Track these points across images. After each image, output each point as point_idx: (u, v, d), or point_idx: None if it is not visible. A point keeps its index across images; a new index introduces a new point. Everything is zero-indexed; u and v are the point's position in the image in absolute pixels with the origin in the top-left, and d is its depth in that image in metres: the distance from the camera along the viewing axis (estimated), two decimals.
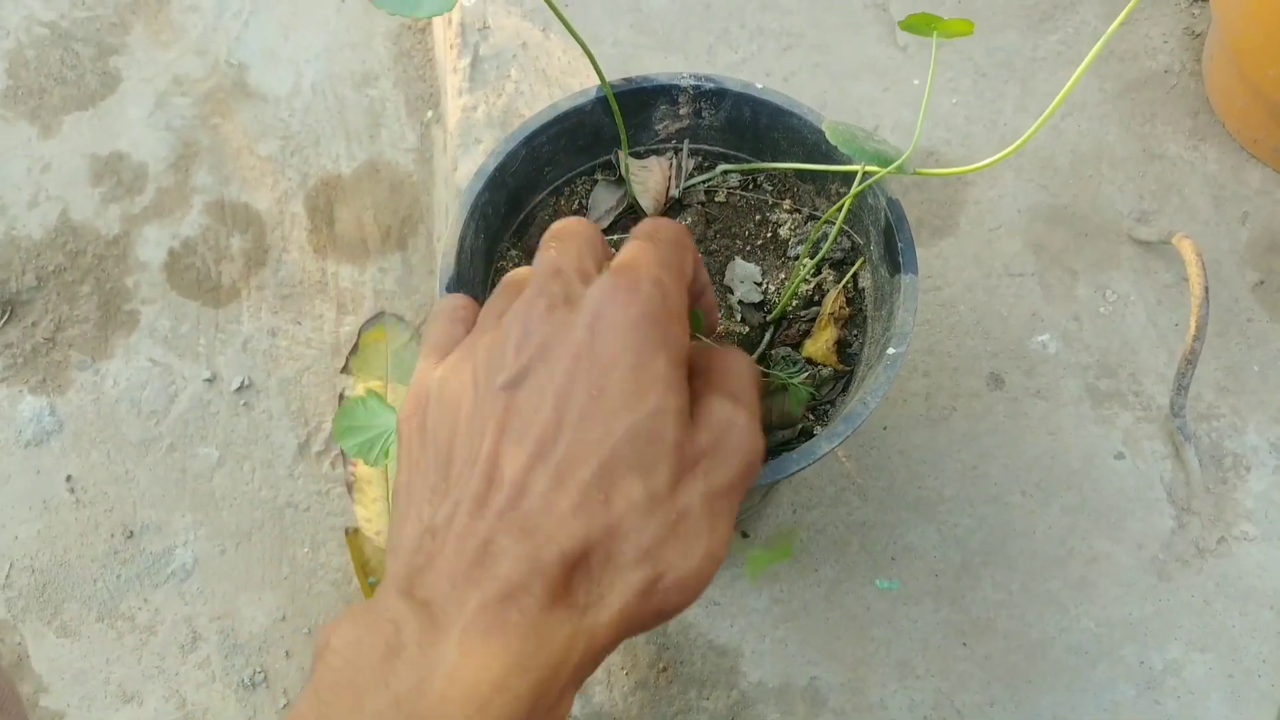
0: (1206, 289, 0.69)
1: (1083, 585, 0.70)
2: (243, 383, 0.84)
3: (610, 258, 0.44)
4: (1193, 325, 0.69)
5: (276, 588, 0.79)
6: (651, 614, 0.37)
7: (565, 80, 0.85)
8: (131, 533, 0.81)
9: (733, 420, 0.39)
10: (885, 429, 0.74)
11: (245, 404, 0.83)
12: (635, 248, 0.42)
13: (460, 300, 0.46)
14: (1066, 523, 0.72)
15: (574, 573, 0.35)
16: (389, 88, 0.94)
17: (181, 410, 0.83)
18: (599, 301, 0.39)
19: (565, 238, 0.43)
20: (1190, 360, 0.70)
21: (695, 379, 0.42)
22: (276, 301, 0.86)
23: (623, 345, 0.38)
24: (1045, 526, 0.72)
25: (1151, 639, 0.69)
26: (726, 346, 0.45)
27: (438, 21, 0.92)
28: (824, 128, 0.53)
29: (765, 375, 0.58)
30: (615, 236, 0.62)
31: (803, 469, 0.51)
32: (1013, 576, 0.70)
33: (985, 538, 0.71)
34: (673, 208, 0.62)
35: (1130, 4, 0.47)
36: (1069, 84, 0.48)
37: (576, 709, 0.68)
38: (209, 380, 0.84)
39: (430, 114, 0.94)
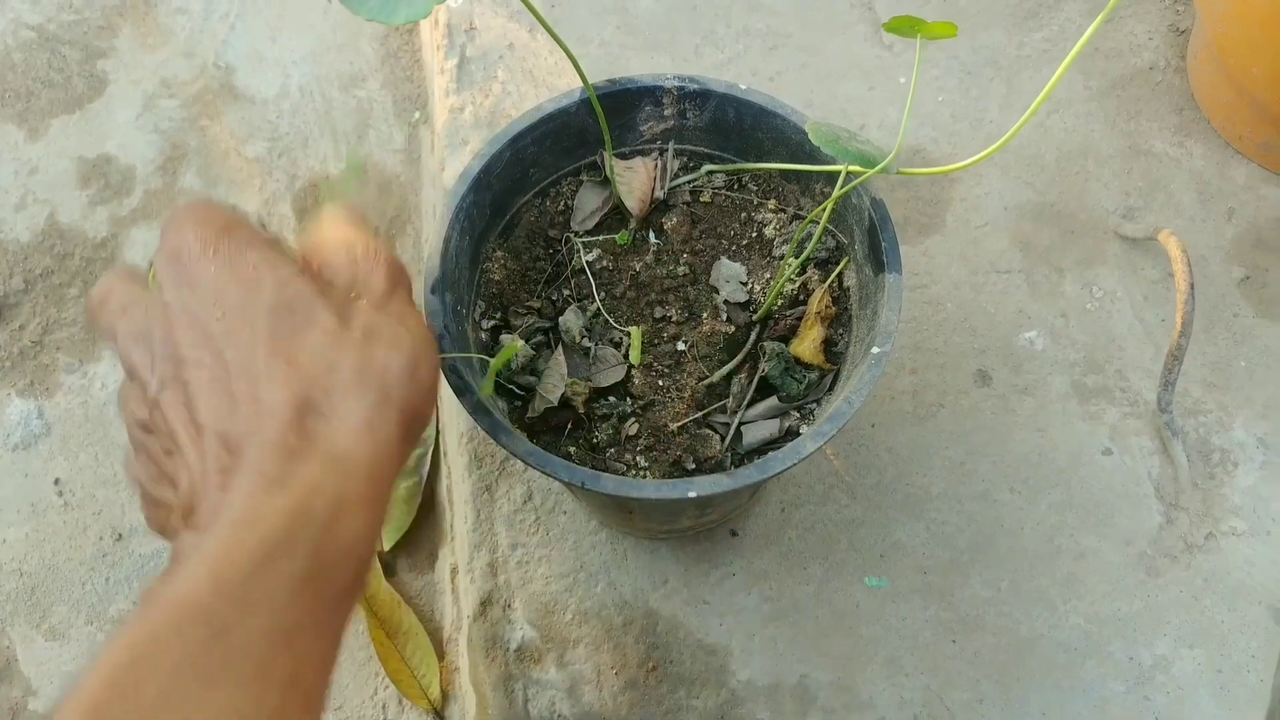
0: (1192, 285, 0.69)
1: (1071, 582, 0.70)
2: None
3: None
4: (1178, 321, 0.69)
5: None
6: (397, 413, 0.41)
7: (552, 81, 0.85)
8: (120, 535, 0.81)
9: (352, 251, 0.45)
10: (873, 426, 0.74)
11: None
12: None
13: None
14: (1054, 519, 0.72)
15: (302, 423, 0.39)
16: (376, 89, 0.94)
17: None
18: (164, 255, 0.42)
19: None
20: (1176, 356, 0.70)
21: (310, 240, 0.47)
22: None
23: (208, 266, 0.41)
24: (1033, 523, 0.72)
25: (1140, 635, 0.69)
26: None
27: (424, 22, 0.92)
28: (807, 128, 0.53)
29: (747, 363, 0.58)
30: (600, 237, 0.62)
31: (789, 468, 0.51)
32: (1001, 573, 0.70)
33: (974, 535, 0.71)
34: (658, 208, 0.63)
35: (1111, 4, 0.47)
36: (1052, 80, 0.48)
37: (566, 709, 0.68)
38: None
39: (418, 115, 0.94)
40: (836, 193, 0.54)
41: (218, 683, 0.34)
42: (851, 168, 0.54)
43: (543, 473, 0.52)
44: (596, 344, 0.60)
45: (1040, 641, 0.69)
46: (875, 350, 0.53)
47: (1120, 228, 0.79)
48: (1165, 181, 0.81)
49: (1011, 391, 0.75)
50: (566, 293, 0.61)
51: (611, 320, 0.60)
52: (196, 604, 0.34)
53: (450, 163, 0.81)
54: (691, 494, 0.51)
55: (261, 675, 0.35)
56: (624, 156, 0.63)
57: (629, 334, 0.59)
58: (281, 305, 0.41)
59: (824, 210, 0.55)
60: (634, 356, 0.59)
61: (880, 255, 0.55)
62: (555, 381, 0.58)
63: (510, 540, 0.73)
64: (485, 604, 0.71)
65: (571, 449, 0.57)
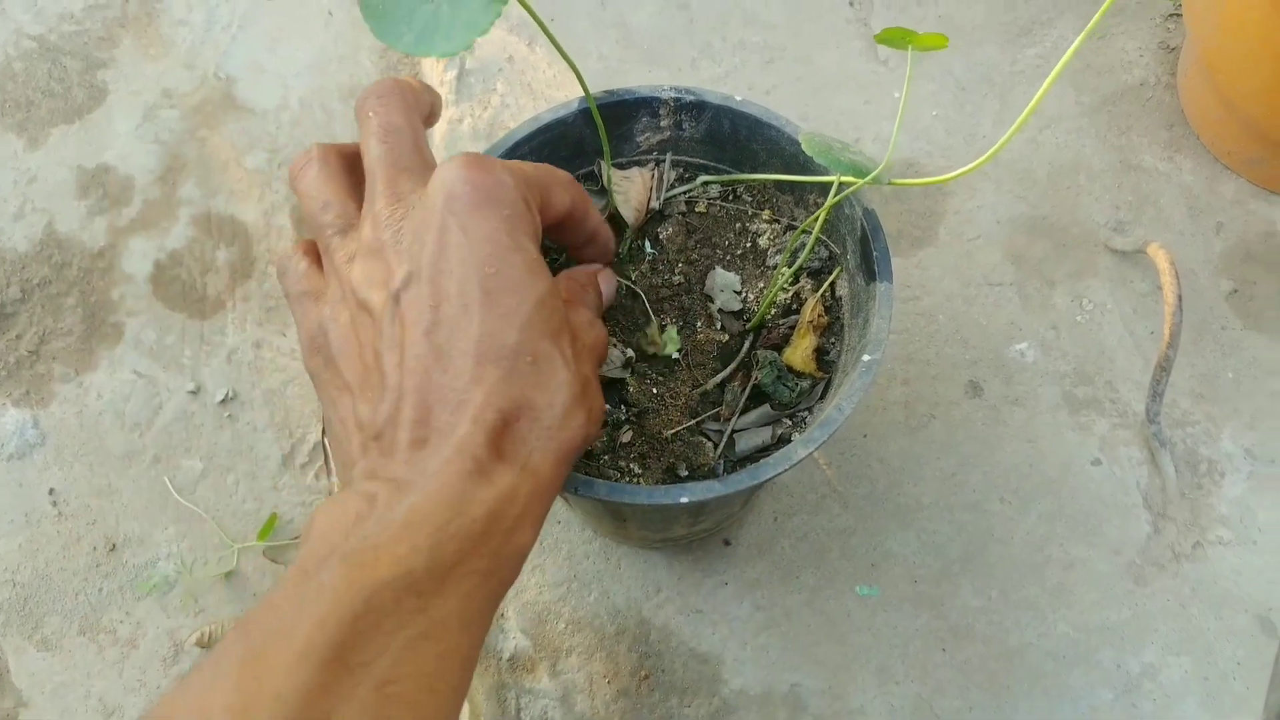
0: (1180, 297, 0.70)
1: (1060, 591, 0.71)
2: (227, 394, 0.84)
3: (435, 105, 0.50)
4: (1166, 333, 0.70)
5: (261, 598, 0.79)
6: (575, 454, 0.44)
7: (550, 93, 0.86)
8: (114, 546, 0.81)
9: (592, 320, 0.49)
10: (865, 436, 0.74)
11: (230, 416, 0.83)
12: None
13: (291, 249, 0.49)
14: (1044, 529, 0.72)
15: (510, 428, 0.40)
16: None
17: (165, 422, 0.83)
18: (450, 184, 0.42)
19: (384, 97, 0.47)
20: (1164, 368, 0.71)
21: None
22: (261, 313, 0.86)
23: (493, 225, 0.42)
24: (1023, 533, 0.72)
25: (1128, 643, 0.69)
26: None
27: None
28: (800, 139, 0.54)
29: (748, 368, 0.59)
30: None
31: (779, 474, 0.52)
32: (991, 583, 0.71)
33: (964, 544, 0.72)
34: (654, 218, 0.63)
35: (1097, 15, 0.48)
36: (1040, 92, 0.49)
37: (559, 717, 0.68)
38: (193, 392, 0.84)
39: None
40: (829, 202, 0.55)
41: (420, 651, 0.36)
42: (844, 178, 0.54)
43: None
44: None
45: (1029, 650, 0.69)
46: (866, 358, 0.53)
47: (1111, 241, 0.80)
48: (1155, 196, 0.82)
49: (1003, 402, 0.76)
50: None
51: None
52: (412, 574, 0.36)
53: None
54: (684, 499, 0.51)
55: (451, 653, 0.37)
56: (621, 167, 0.64)
57: (624, 343, 0.60)
58: (546, 307, 0.42)
59: (816, 220, 0.56)
60: (670, 348, 0.59)
61: (872, 265, 0.56)
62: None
63: None
64: None
65: None
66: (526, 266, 0.42)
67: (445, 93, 0.84)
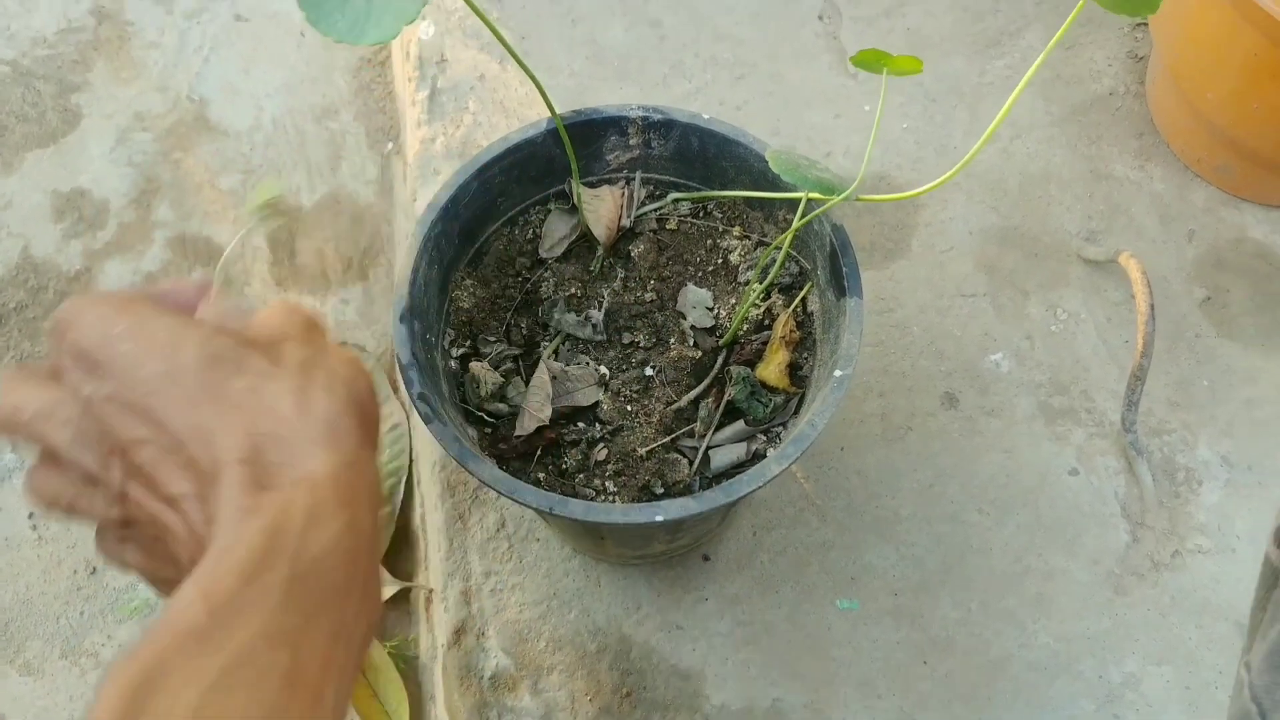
0: (1152, 306, 0.71)
1: (1040, 601, 0.71)
2: None
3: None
4: (1140, 342, 0.71)
5: None
6: (353, 415, 0.43)
7: (523, 111, 0.86)
8: (94, 569, 0.80)
9: (267, 311, 0.46)
10: (842, 450, 0.75)
11: None
12: None
13: None
14: (1023, 540, 0.72)
15: (262, 458, 0.40)
16: (349, 121, 0.95)
17: None
18: (68, 361, 0.42)
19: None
20: (1139, 376, 0.71)
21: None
22: None
23: (124, 339, 0.41)
24: (1002, 544, 0.72)
25: (1109, 653, 0.69)
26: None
27: (396, 55, 0.93)
28: (767, 156, 0.54)
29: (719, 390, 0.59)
30: (569, 264, 0.63)
31: (754, 490, 0.52)
32: (971, 594, 0.71)
33: (943, 556, 0.72)
34: (625, 236, 0.63)
35: (1064, 25, 0.48)
36: (1007, 103, 0.49)
37: None
38: None
39: (390, 146, 0.95)
40: (798, 221, 0.55)
41: (223, 689, 0.36)
42: (812, 195, 0.55)
43: (511, 499, 0.52)
44: (565, 365, 0.60)
45: (1010, 661, 0.69)
46: (838, 373, 0.54)
47: (1083, 251, 0.80)
48: (1127, 205, 0.82)
49: (978, 413, 0.76)
50: (534, 320, 0.62)
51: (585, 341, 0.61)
52: (194, 624, 0.36)
53: (422, 193, 0.82)
54: (659, 518, 0.51)
55: (263, 676, 0.37)
56: (591, 185, 0.64)
57: (598, 362, 0.60)
58: (206, 359, 0.42)
59: (786, 237, 0.56)
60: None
61: (842, 280, 0.56)
62: (542, 400, 0.59)
63: (484, 568, 0.73)
64: (459, 632, 0.71)
65: (541, 475, 0.58)
66: (164, 346, 0.42)
67: (418, 112, 0.85)
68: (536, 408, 0.58)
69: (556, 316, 0.61)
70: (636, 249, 0.63)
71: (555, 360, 0.60)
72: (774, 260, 0.61)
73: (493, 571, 0.73)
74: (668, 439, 0.59)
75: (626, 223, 0.63)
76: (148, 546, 0.44)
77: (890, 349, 0.77)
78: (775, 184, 0.60)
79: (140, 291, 0.45)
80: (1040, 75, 0.88)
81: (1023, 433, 0.75)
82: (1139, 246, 0.81)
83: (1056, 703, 0.68)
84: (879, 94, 0.88)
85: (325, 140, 0.94)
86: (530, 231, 0.64)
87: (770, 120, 0.86)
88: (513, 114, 0.86)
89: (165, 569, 0.44)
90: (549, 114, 0.59)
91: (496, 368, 0.60)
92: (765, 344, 0.60)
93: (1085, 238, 0.81)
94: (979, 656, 0.70)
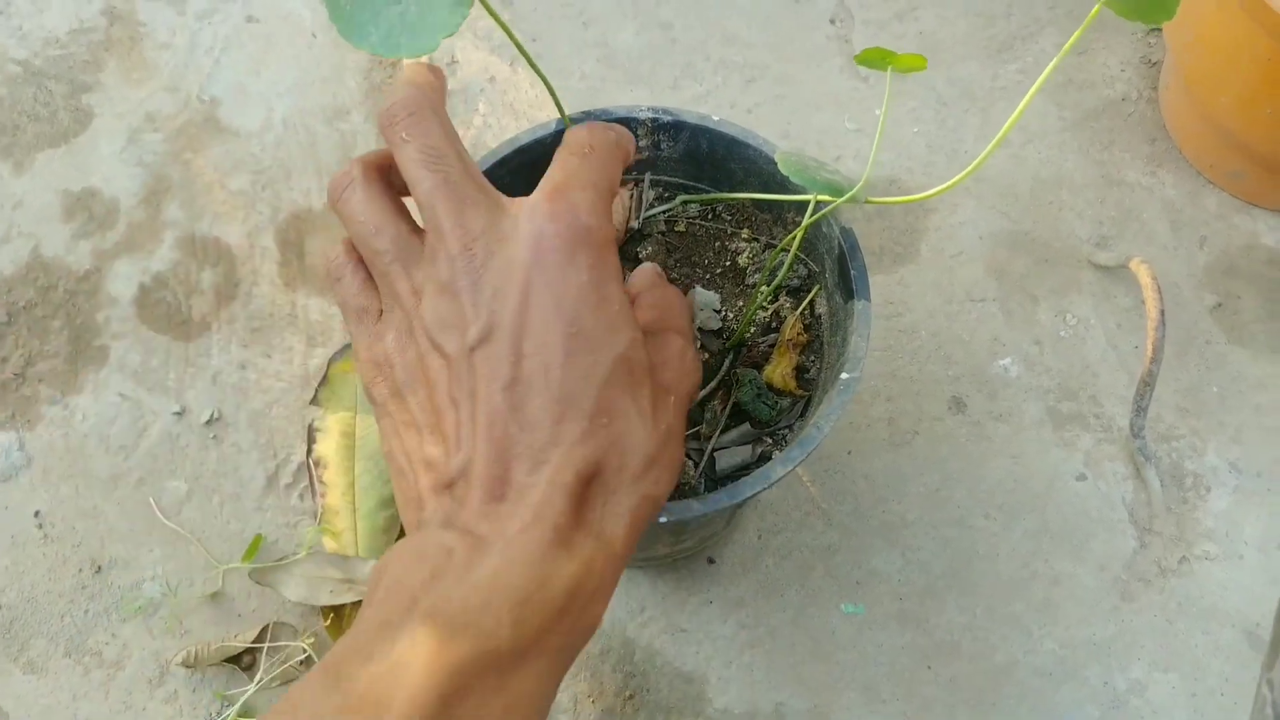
0: (1162, 311, 0.70)
1: (1046, 607, 0.71)
2: (212, 416, 0.84)
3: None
4: (1149, 348, 0.70)
5: (245, 620, 0.79)
6: (650, 516, 0.42)
7: (533, 113, 0.86)
8: (99, 568, 0.81)
9: (684, 351, 0.46)
10: (849, 453, 0.74)
11: (214, 437, 0.83)
12: (566, 166, 0.46)
13: (344, 256, 0.47)
14: (1029, 545, 0.72)
15: (588, 491, 0.39)
16: (360, 122, 0.95)
17: (151, 444, 0.83)
18: (538, 237, 0.41)
19: (415, 114, 0.44)
20: (1148, 382, 0.71)
21: (642, 313, 0.47)
22: (246, 335, 0.86)
23: (581, 280, 0.40)
24: (1008, 549, 0.72)
25: (1115, 660, 0.69)
26: (658, 279, 0.51)
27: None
28: (775, 158, 0.54)
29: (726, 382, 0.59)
30: None
31: (759, 493, 0.52)
32: (977, 599, 0.71)
33: (949, 561, 0.72)
34: (634, 238, 0.63)
35: (1078, 31, 0.48)
36: (1019, 107, 0.49)
37: None
38: (178, 414, 0.84)
39: None
40: (806, 221, 0.55)
41: None
42: (821, 197, 0.54)
43: None
44: None
45: (1016, 667, 0.69)
46: (845, 376, 0.53)
47: (1094, 256, 0.80)
48: (1138, 211, 0.82)
49: (986, 418, 0.76)
50: None
51: None
52: (496, 652, 0.36)
53: None
54: (662, 519, 0.51)
55: None
56: None
57: None
58: (626, 363, 0.41)
59: (794, 239, 0.56)
60: None
61: (850, 283, 0.56)
62: None
63: None
64: None
65: None
66: (609, 321, 0.41)
67: None
68: None
69: None
70: (645, 251, 0.63)
71: None
72: (782, 262, 0.61)
73: None
74: None
75: (635, 224, 0.63)
76: (436, 398, 0.42)
77: (898, 353, 0.77)
78: (785, 186, 0.60)
79: (613, 261, 0.43)
80: (1053, 80, 0.87)
81: (1031, 438, 0.75)
82: (1150, 252, 0.80)
83: (1061, 709, 0.68)
84: (890, 97, 0.88)
85: (336, 141, 0.94)
86: None
87: (780, 123, 0.86)
88: (523, 116, 0.86)
89: (379, 388, 0.43)
90: (559, 115, 0.59)
91: None
92: (773, 346, 0.60)
93: (1096, 243, 0.81)
94: (984, 662, 0.69)
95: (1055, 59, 0.49)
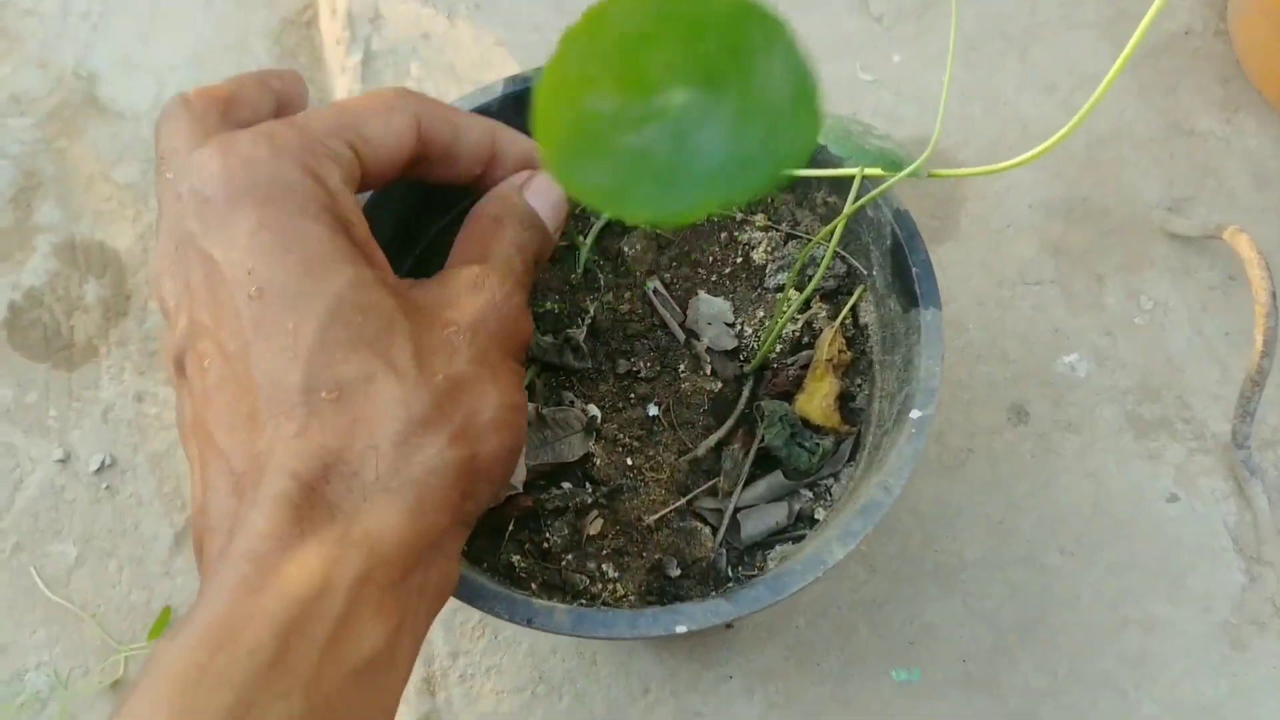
0: (1274, 294, 0.56)
1: (1141, 661, 0.57)
2: (104, 462, 0.69)
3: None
4: (1258, 339, 0.57)
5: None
6: (467, 478, 0.32)
7: (478, 75, 0.71)
8: None
9: (481, 283, 0.36)
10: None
11: (108, 487, 0.68)
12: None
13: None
14: (1116, 584, 0.59)
15: (315, 494, 0.30)
16: None
17: (29, 500, 0.68)
18: (190, 189, 0.32)
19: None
20: (1256, 381, 0.57)
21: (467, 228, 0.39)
22: (143, 359, 0.71)
23: (248, 227, 0.31)
24: (1091, 591, 0.59)
25: None
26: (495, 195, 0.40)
27: (324, 14, 0.77)
28: None
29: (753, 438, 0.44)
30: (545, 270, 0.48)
31: (808, 584, 0.38)
32: (1057, 656, 0.57)
33: (1020, 609, 0.58)
34: (613, 229, 0.49)
35: None
36: (1110, 75, 0.35)
37: None
38: (62, 461, 0.69)
39: None
40: (852, 204, 0.40)
41: None
42: (870, 172, 0.40)
43: (474, 607, 0.38)
44: (542, 406, 0.46)
45: None
46: (915, 414, 0.39)
47: (1168, 224, 0.66)
48: (1214, 166, 0.68)
49: (1053, 429, 0.62)
50: None
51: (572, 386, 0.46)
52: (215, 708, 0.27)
53: None
54: (680, 628, 0.37)
55: None
56: None
57: (583, 401, 0.45)
58: (346, 310, 0.31)
59: (836, 227, 0.41)
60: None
61: (910, 285, 0.42)
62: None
63: (450, 648, 0.58)
64: None
65: (516, 558, 0.43)
66: (304, 266, 0.31)
67: (349, 80, 0.69)
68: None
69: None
70: (630, 247, 0.48)
71: (529, 400, 0.46)
72: (814, 259, 0.46)
73: (461, 652, 0.58)
74: (682, 501, 0.44)
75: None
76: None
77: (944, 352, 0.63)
78: (814, 158, 0.45)
79: (314, 196, 0.33)
80: (1102, 14, 0.73)
81: (1108, 451, 0.61)
82: (1233, 215, 0.67)
83: None
84: (909, 41, 0.73)
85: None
86: None
87: None
88: (465, 78, 0.70)
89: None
90: (506, 75, 0.45)
91: None
92: (805, 368, 0.46)
93: (1169, 208, 0.67)
94: None
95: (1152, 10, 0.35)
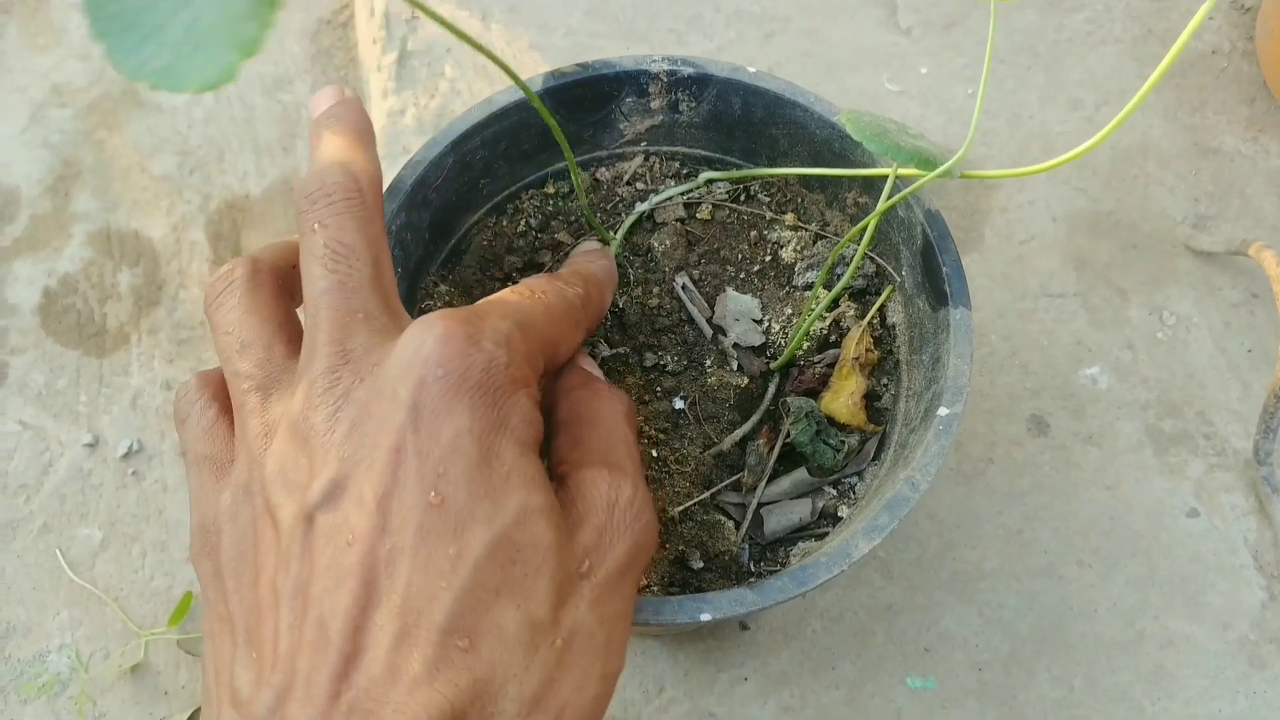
0: None
1: (1158, 676, 0.57)
2: (131, 447, 0.69)
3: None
4: None
5: (174, 697, 0.65)
6: None
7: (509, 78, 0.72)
8: None
9: (615, 497, 0.32)
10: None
11: (134, 473, 0.69)
12: (499, 294, 0.34)
13: (195, 387, 0.35)
14: (1134, 598, 0.59)
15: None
16: (305, 92, 0.80)
17: (57, 483, 0.69)
18: (418, 363, 0.29)
19: (336, 200, 0.33)
20: (1279, 397, 0.57)
21: (556, 440, 0.35)
22: (172, 348, 0.72)
23: (459, 427, 0.28)
24: (1109, 604, 0.59)
25: None
26: (587, 384, 0.36)
27: (360, 14, 0.78)
28: (842, 119, 0.40)
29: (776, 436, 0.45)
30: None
31: (834, 577, 0.38)
32: (1073, 668, 0.57)
33: (1037, 620, 0.58)
34: (646, 226, 0.49)
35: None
36: (1143, 91, 0.35)
37: None
38: (91, 445, 0.69)
39: None
40: (884, 203, 0.41)
41: None
42: (903, 171, 0.41)
43: None
44: None
45: None
46: (944, 412, 0.40)
47: (1192, 240, 0.66)
48: (1240, 184, 0.68)
49: (1074, 441, 0.62)
50: None
51: None
52: None
53: (390, 176, 0.67)
54: (704, 616, 0.37)
55: None
56: (600, 162, 0.50)
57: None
58: (510, 545, 0.28)
59: (868, 226, 0.42)
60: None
61: (940, 284, 0.42)
62: None
63: None
64: None
65: None
66: (490, 487, 0.28)
67: (384, 79, 0.70)
68: None
69: None
70: (660, 243, 0.48)
71: None
72: (844, 259, 0.47)
73: None
74: (706, 494, 0.45)
75: (644, 209, 0.49)
76: (219, 536, 0.31)
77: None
78: (843, 157, 0.46)
79: (520, 413, 0.30)
80: (1129, 32, 0.73)
81: (1128, 465, 0.61)
82: (1258, 233, 0.67)
83: None
84: (936, 54, 0.74)
85: (277, 116, 0.80)
86: (522, 222, 0.49)
87: (807, 85, 0.71)
88: (497, 79, 0.71)
89: (203, 563, 0.32)
90: (540, 73, 0.46)
91: None
92: (831, 366, 0.46)
93: (1193, 225, 0.67)
94: None
95: (1183, 35, 0.35)
